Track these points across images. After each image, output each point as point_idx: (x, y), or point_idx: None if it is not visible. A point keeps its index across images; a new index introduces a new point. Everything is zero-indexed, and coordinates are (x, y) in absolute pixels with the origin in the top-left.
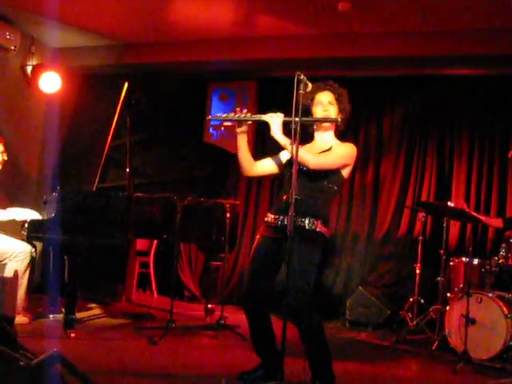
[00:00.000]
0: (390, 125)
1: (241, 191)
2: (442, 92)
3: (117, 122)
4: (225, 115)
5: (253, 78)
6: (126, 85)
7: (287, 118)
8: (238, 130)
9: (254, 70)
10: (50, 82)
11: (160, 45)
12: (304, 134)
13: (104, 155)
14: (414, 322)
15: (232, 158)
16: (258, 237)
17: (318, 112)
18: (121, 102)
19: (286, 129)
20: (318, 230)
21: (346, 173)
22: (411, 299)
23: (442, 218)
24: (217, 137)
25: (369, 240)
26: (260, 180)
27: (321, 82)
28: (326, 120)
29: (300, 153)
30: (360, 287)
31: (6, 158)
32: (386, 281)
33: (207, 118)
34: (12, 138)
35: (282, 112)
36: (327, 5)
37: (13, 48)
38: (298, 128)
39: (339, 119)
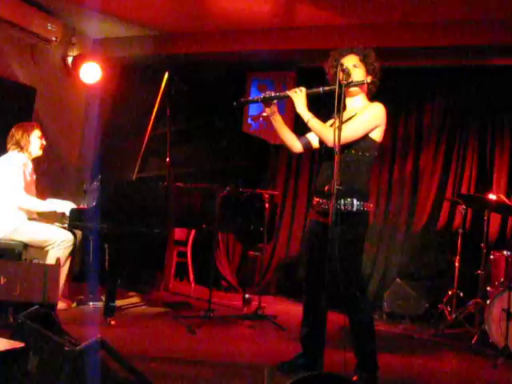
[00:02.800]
0: (431, 116)
1: (279, 181)
2: (483, 83)
3: (157, 111)
4: (250, 98)
5: (292, 68)
6: (167, 75)
7: (311, 90)
8: (268, 110)
9: (293, 60)
10: (91, 73)
11: (200, 34)
12: (334, 103)
13: (144, 145)
14: (453, 316)
15: (270, 149)
16: (308, 219)
17: (341, 77)
18: (161, 91)
19: (312, 100)
20: (358, 209)
21: (377, 136)
22: (450, 292)
23: (482, 211)
24: (255, 127)
25: (407, 232)
26: (298, 170)
27: (344, 48)
28: (328, 90)
29: (318, 129)
30: (398, 279)
31: (44, 142)
32: (425, 273)
33: (234, 105)
34: (53, 128)
35: (322, 104)
36: None
37: (54, 39)
38: (338, 123)
39: (367, 80)
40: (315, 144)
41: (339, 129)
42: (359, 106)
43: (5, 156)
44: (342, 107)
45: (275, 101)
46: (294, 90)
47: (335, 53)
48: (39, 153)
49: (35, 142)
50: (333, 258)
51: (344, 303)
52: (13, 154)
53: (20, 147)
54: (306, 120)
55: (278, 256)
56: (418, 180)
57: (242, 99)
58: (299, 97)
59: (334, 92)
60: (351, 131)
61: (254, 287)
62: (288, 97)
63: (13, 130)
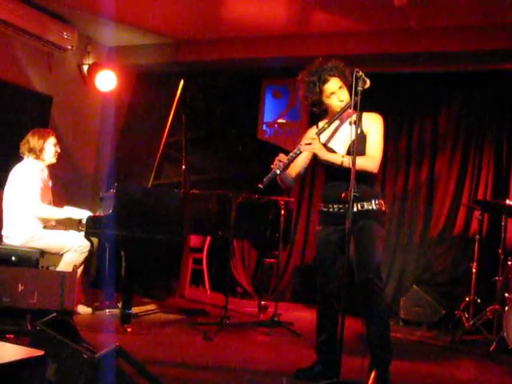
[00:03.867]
0: (446, 121)
1: (294, 188)
2: (499, 88)
3: (172, 119)
4: (273, 173)
5: None
6: (182, 82)
7: (320, 130)
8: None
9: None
10: (106, 81)
11: (214, 42)
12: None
13: (159, 152)
14: (471, 322)
15: (286, 155)
16: (317, 228)
17: (335, 102)
18: (176, 99)
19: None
20: (383, 209)
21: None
22: (467, 299)
23: (499, 217)
24: (270, 133)
25: (423, 238)
26: (313, 177)
27: (315, 72)
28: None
29: (362, 164)
30: (414, 286)
31: (59, 150)
32: (441, 280)
33: (261, 187)
34: (69, 136)
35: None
36: (382, 0)
37: (70, 47)
38: (354, 134)
39: (351, 103)
40: (305, 168)
41: (355, 141)
42: (345, 101)
43: (21, 164)
44: (357, 119)
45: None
46: (306, 142)
47: (312, 77)
48: (53, 160)
49: (50, 150)
50: (349, 263)
51: (361, 296)
52: (29, 162)
53: (35, 154)
54: (339, 163)
55: (293, 262)
56: (433, 186)
57: (265, 180)
58: (315, 146)
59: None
60: (379, 148)
61: (269, 294)
62: (302, 152)
63: (28, 135)
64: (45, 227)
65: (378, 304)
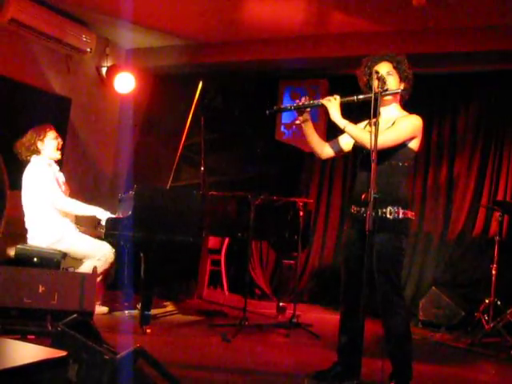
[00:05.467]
0: (465, 122)
1: (312, 189)
2: None
3: (191, 121)
4: (283, 106)
5: (324, 75)
6: (201, 84)
7: (345, 99)
8: (301, 118)
9: (325, 68)
10: (124, 83)
11: (232, 43)
12: (366, 111)
13: (178, 154)
14: (491, 325)
15: (304, 157)
16: (345, 228)
17: (376, 85)
18: (195, 101)
19: (344, 107)
20: (401, 216)
21: (414, 146)
22: (487, 301)
23: None
24: (288, 135)
25: (442, 240)
26: (332, 178)
27: (377, 55)
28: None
29: (357, 134)
30: (433, 287)
31: (61, 142)
32: (461, 281)
33: (267, 113)
34: (88, 138)
35: (354, 110)
36: (401, 1)
37: (88, 50)
38: (377, 123)
39: (402, 89)
40: (346, 148)
41: (375, 137)
42: (395, 115)
43: (29, 165)
44: (378, 115)
45: (308, 109)
46: (327, 98)
47: (368, 60)
48: (57, 155)
49: (50, 144)
50: (370, 266)
51: (381, 309)
52: (34, 160)
53: (34, 151)
54: (342, 127)
55: (311, 264)
56: (452, 187)
57: (275, 107)
58: (333, 105)
59: (368, 100)
60: (392, 137)
61: (287, 295)
62: (322, 105)
63: (25, 137)
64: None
65: (397, 322)
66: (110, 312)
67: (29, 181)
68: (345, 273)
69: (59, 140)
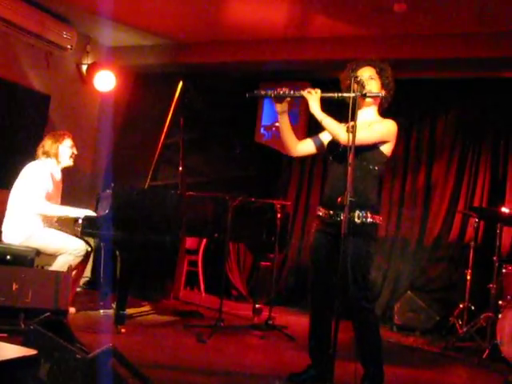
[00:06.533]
0: (443, 128)
1: (291, 192)
2: (497, 95)
3: (170, 120)
4: (263, 92)
5: (305, 78)
6: (181, 83)
7: (326, 94)
8: (279, 108)
9: (306, 71)
10: (105, 81)
11: (213, 44)
12: (346, 112)
13: (157, 153)
14: (464, 329)
15: (283, 159)
16: (312, 231)
17: (355, 89)
18: (175, 100)
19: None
20: (369, 221)
21: (386, 150)
22: (461, 305)
23: (494, 224)
24: (268, 137)
25: (419, 244)
26: (310, 180)
27: (361, 59)
28: (341, 96)
29: (333, 127)
30: (409, 292)
31: (76, 152)
32: (436, 286)
33: (247, 96)
34: None
35: (335, 114)
36: (382, 6)
37: (69, 47)
38: (354, 126)
39: (382, 94)
40: (321, 147)
41: (352, 141)
42: (371, 119)
43: (33, 162)
44: (355, 117)
45: (288, 99)
46: (308, 90)
47: (352, 64)
48: (70, 163)
49: (65, 152)
50: (344, 270)
51: (351, 313)
52: (40, 162)
53: (49, 155)
54: (319, 119)
55: (288, 266)
56: (430, 192)
57: (255, 91)
58: (314, 98)
59: (347, 100)
60: (365, 135)
61: (264, 297)
62: (302, 96)
63: (44, 139)
64: (49, 227)
65: (367, 326)
66: (76, 311)
67: (23, 177)
68: (313, 276)
69: (74, 150)
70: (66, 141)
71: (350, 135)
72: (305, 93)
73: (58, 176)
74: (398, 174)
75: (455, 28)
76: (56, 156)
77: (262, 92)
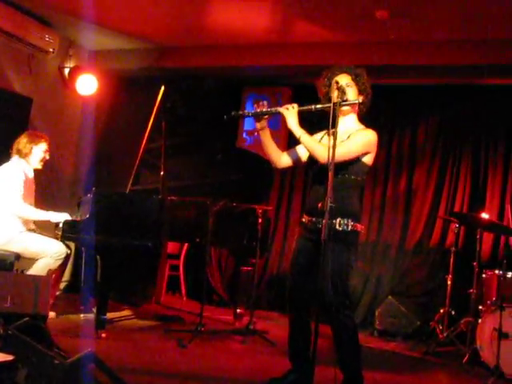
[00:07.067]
0: (425, 134)
1: (273, 197)
2: (477, 102)
3: (152, 125)
4: (241, 112)
5: (287, 83)
6: (163, 88)
7: (302, 108)
8: (258, 125)
9: (288, 76)
10: (87, 84)
11: (196, 49)
12: (324, 121)
13: (138, 158)
14: (445, 334)
15: (265, 164)
16: (296, 237)
17: (336, 95)
18: (157, 105)
19: (304, 119)
20: (350, 228)
21: (368, 160)
22: (442, 311)
23: (475, 230)
24: (250, 142)
25: (400, 249)
26: (292, 186)
27: (337, 66)
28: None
29: (311, 145)
30: (390, 297)
31: (48, 157)
32: (417, 291)
33: (225, 118)
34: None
35: (316, 119)
36: (364, 13)
37: (51, 50)
38: (334, 140)
39: (360, 100)
40: (305, 158)
41: (333, 147)
42: (352, 128)
43: (6, 164)
44: (336, 126)
45: (266, 116)
46: (285, 106)
47: (328, 71)
48: (38, 166)
49: (37, 154)
50: (323, 275)
51: (330, 319)
52: (14, 161)
53: (21, 155)
54: (297, 136)
55: (270, 271)
56: (411, 198)
57: (233, 113)
58: (291, 113)
59: (325, 110)
60: (344, 152)
61: (245, 302)
62: (279, 113)
63: (22, 136)
64: (28, 230)
65: (345, 331)
66: (56, 316)
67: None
68: (292, 281)
69: (47, 155)
70: (42, 144)
71: (330, 151)
72: (282, 109)
73: (31, 175)
74: (380, 180)
75: (437, 35)
76: (27, 156)
77: (240, 112)
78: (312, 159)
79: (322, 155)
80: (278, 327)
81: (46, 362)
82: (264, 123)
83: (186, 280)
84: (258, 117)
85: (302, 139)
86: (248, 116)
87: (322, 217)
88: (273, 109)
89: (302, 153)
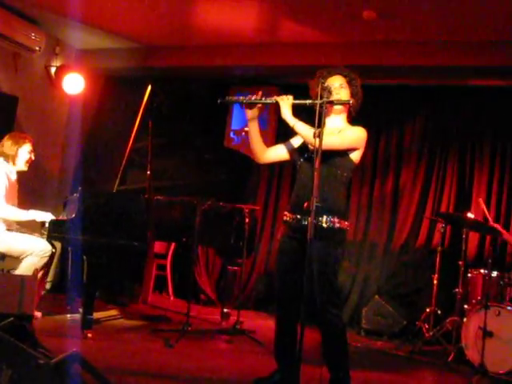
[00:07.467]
0: (412, 134)
1: (260, 196)
2: (464, 102)
3: (139, 124)
4: (235, 98)
5: (274, 83)
6: (150, 87)
7: (297, 101)
8: (249, 114)
9: (275, 76)
10: (74, 83)
11: (183, 48)
12: (314, 119)
13: (125, 157)
14: (431, 333)
15: (252, 163)
16: (279, 237)
17: (325, 97)
18: (143, 104)
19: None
20: (336, 226)
21: (355, 157)
22: (428, 310)
23: (461, 229)
24: (237, 142)
25: (387, 249)
26: (279, 185)
27: (331, 68)
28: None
29: (306, 132)
30: (376, 296)
31: (33, 157)
32: (403, 290)
33: (218, 102)
34: (35, 138)
35: (306, 118)
36: (352, 13)
37: (38, 49)
38: (321, 131)
39: (351, 101)
40: (283, 157)
41: (319, 147)
42: (340, 126)
43: None
44: (323, 125)
45: (259, 105)
46: (281, 96)
47: (322, 71)
48: (24, 168)
49: (22, 156)
50: (310, 274)
51: (318, 318)
52: None
53: (6, 156)
54: (291, 124)
55: (257, 271)
56: (398, 198)
57: (227, 97)
58: (286, 103)
59: (315, 109)
60: (336, 141)
61: (232, 301)
62: (274, 102)
63: (4, 138)
64: (8, 230)
65: (333, 330)
66: (42, 316)
67: None
68: (279, 280)
69: (32, 155)
70: (26, 145)
71: (318, 140)
72: (278, 99)
73: (14, 177)
74: (367, 180)
75: (424, 36)
76: (13, 159)
77: (235, 98)
78: (301, 152)
79: (312, 141)
80: (265, 326)
81: (31, 363)
82: (255, 113)
83: (173, 279)
84: (251, 105)
85: (296, 127)
86: (242, 102)
87: (307, 215)
88: (268, 98)
89: (287, 149)
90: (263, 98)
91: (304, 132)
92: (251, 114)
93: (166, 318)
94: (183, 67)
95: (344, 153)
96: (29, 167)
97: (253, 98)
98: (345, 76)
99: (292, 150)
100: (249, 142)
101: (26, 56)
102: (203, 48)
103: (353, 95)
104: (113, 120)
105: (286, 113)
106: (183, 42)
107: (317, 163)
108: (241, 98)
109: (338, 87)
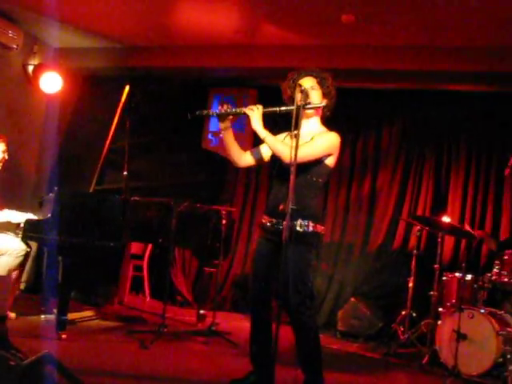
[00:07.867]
0: (389, 138)
1: (237, 198)
2: (441, 107)
3: (116, 124)
4: (205, 112)
5: (253, 85)
6: (127, 88)
7: (267, 109)
8: (222, 125)
9: (254, 78)
10: (51, 82)
11: (162, 49)
12: (288, 122)
13: (102, 157)
14: (406, 336)
15: (230, 165)
16: (256, 238)
17: (299, 98)
18: (121, 104)
19: (269, 118)
20: (310, 230)
21: (330, 162)
22: (403, 312)
23: (436, 233)
24: (215, 143)
25: (363, 252)
26: (257, 187)
27: (302, 69)
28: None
29: (276, 145)
30: (352, 298)
31: (6, 157)
32: (379, 293)
33: (188, 117)
34: (11, 137)
35: (281, 120)
36: (330, 16)
37: (15, 47)
38: (296, 141)
39: (324, 104)
40: (266, 157)
41: (296, 149)
42: (314, 130)
43: None
44: (299, 128)
45: (230, 116)
46: (250, 107)
47: (293, 73)
48: None
49: None
50: (284, 276)
51: (291, 320)
52: None
53: None
54: (262, 137)
55: (233, 272)
56: (374, 200)
57: (198, 112)
58: (255, 114)
59: (289, 113)
60: (308, 152)
61: (209, 303)
62: (244, 113)
63: None
64: None
65: (306, 332)
66: (16, 317)
67: None
68: (254, 281)
69: (5, 155)
70: (0, 145)
71: (293, 150)
72: (247, 110)
73: None
74: (344, 182)
75: (402, 40)
76: None
77: (204, 112)
78: (274, 160)
79: (286, 155)
80: (240, 328)
81: (1, 364)
82: (228, 124)
83: (149, 280)
84: (222, 117)
85: (266, 140)
86: (212, 116)
87: (282, 218)
88: (237, 109)
89: (265, 152)
90: (233, 109)
91: (274, 146)
92: (224, 125)
93: (142, 319)
94: (162, 68)
95: (318, 160)
96: (3, 166)
97: (222, 110)
98: (315, 77)
99: (269, 153)
100: (225, 150)
101: (2, 54)
102: (182, 49)
103: (325, 96)
104: (90, 120)
105: (256, 124)
106: (162, 42)
107: (293, 167)
108: (211, 111)
109: (309, 89)
